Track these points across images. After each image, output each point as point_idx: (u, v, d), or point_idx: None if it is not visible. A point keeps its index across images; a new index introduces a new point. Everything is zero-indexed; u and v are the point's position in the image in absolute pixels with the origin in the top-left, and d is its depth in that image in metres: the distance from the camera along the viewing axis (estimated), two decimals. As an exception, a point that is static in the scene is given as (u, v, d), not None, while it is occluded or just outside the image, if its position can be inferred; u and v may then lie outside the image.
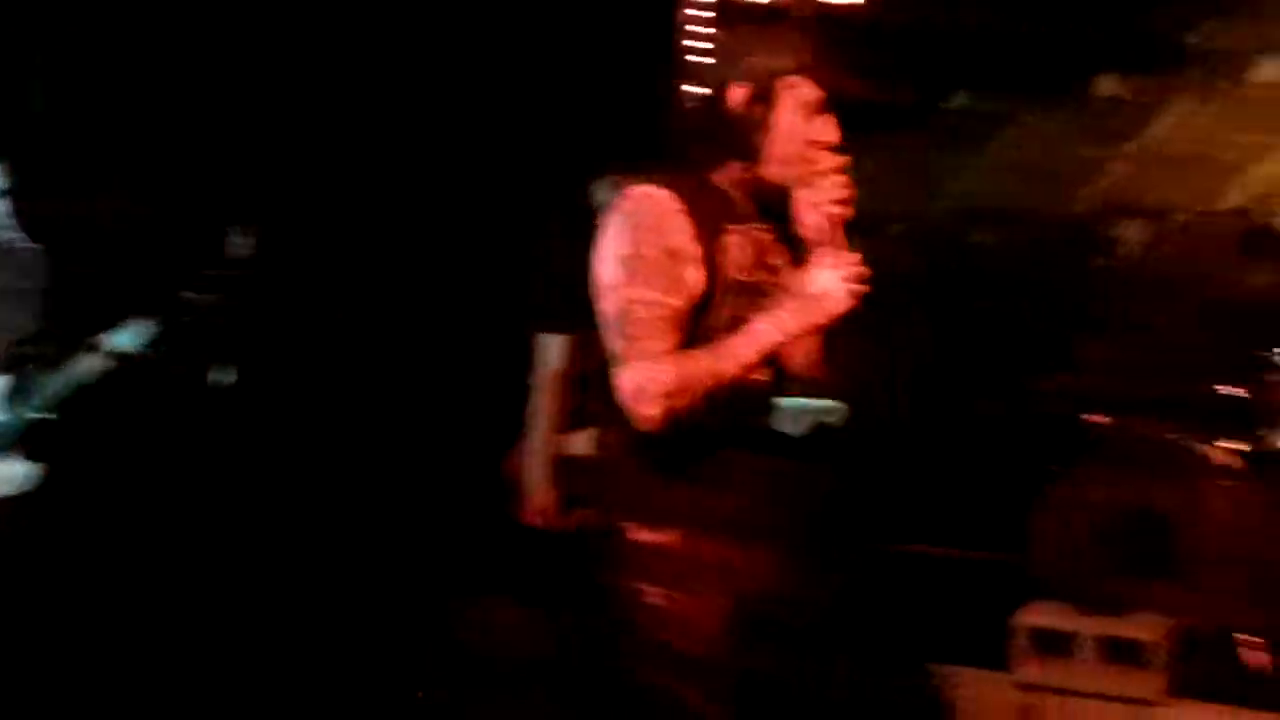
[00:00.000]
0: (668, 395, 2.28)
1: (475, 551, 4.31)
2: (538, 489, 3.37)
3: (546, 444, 3.37)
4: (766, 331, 2.34)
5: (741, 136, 2.41)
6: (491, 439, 3.68)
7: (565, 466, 3.31)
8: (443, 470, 4.75)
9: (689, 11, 5.92)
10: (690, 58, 5.73)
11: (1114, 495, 4.28)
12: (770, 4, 6.04)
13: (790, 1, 5.98)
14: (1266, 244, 5.01)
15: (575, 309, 2.48)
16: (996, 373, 5.47)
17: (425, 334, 5.11)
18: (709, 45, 5.76)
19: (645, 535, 2.39)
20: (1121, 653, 3.96)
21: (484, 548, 4.14)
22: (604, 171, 2.77)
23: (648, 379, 2.29)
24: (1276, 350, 4.36)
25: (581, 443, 3.62)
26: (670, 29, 5.83)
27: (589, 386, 2.53)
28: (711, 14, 5.87)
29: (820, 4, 6.00)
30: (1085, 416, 4.60)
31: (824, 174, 2.38)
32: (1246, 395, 4.50)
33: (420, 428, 4.96)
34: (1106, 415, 4.55)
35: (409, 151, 5.17)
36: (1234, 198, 6.06)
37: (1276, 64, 6.03)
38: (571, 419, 3.35)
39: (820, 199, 2.37)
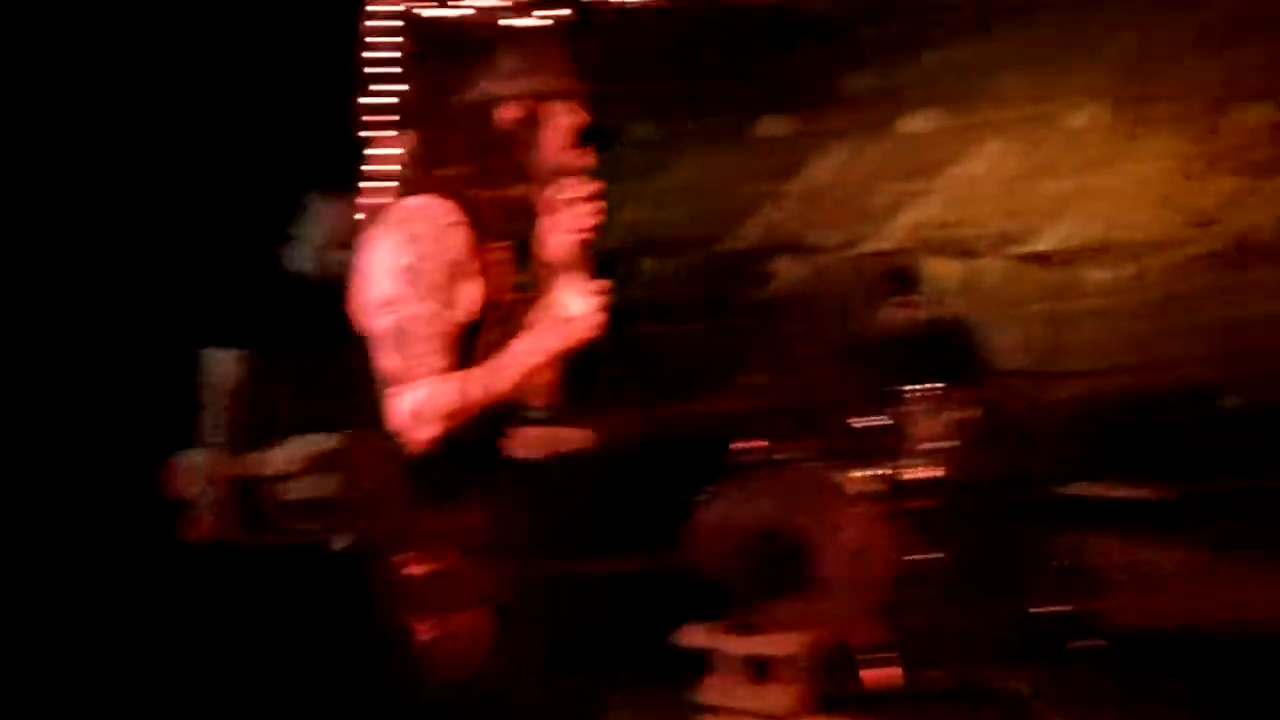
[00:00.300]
0: (449, 417, 2.22)
1: (131, 565, 4.14)
2: (208, 506, 3.28)
3: (221, 461, 3.27)
4: (529, 353, 2.32)
5: (507, 156, 2.39)
6: (150, 453, 3.56)
7: (247, 485, 3.22)
8: (100, 481, 4.55)
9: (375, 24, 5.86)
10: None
11: (756, 518, 4.48)
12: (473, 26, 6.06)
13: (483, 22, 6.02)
14: (908, 284, 5.36)
15: (250, 325, 2.39)
16: (654, 397, 5.60)
17: (87, 344, 4.88)
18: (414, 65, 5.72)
19: (407, 558, 2.33)
20: (762, 670, 4.16)
21: (139, 561, 3.99)
22: (296, 188, 2.69)
23: (430, 400, 2.22)
24: (911, 385, 4.67)
25: (273, 461, 3.53)
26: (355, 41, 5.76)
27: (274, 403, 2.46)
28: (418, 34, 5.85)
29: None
30: (736, 442, 4.80)
31: (575, 199, 2.40)
32: (883, 426, 4.80)
33: (78, 439, 4.73)
34: (755, 441, 4.76)
35: (87, 163, 4.93)
36: (883, 240, 6.47)
37: (923, 116, 6.47)
38: (250, 436, 3.26)
39: (570, 224, 2.37)
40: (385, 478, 2.33)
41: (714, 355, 6.11)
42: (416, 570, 2.32)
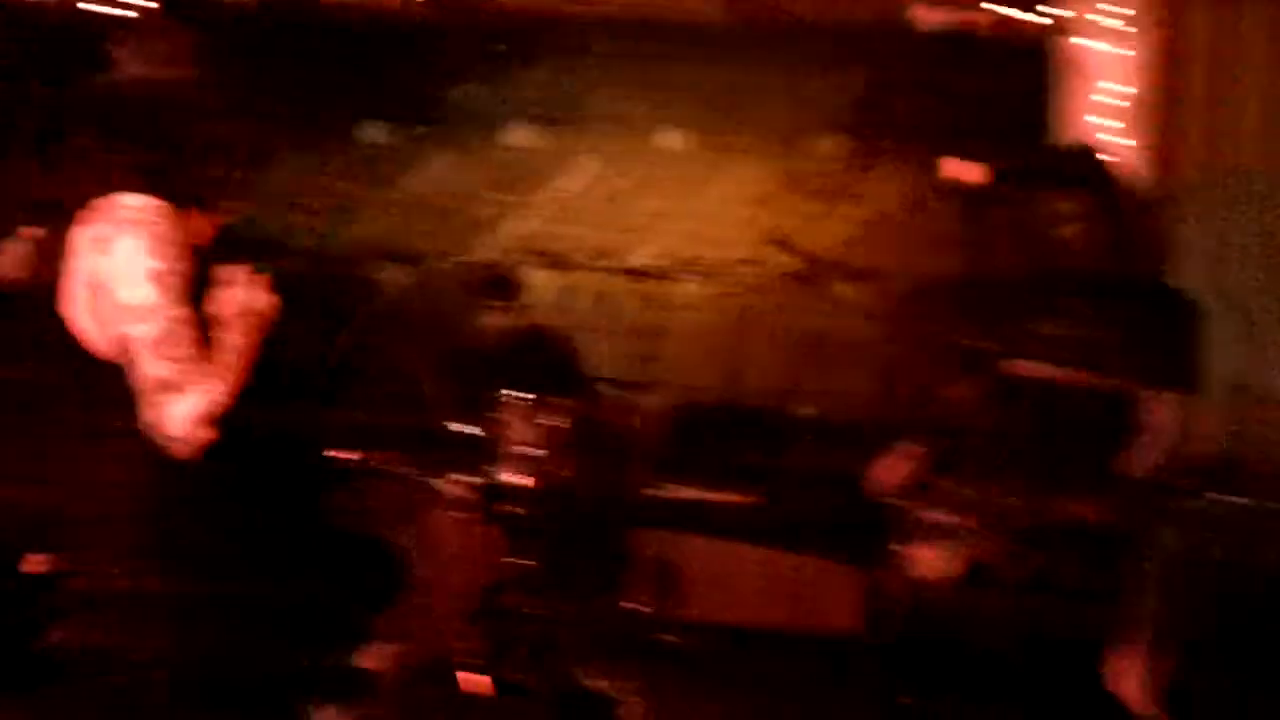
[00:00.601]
0: (217, 420, 2.20)
1: None
2: None
3: None
4: (243, 349, 2.31)
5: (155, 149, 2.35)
6: None
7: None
8: None
9: None
10: None
11: (352, 528, 4.39)
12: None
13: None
14: (507, 294, 5.41)
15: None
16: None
17: None
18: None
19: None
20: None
21: None
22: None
23: (205, 405, 2.19)
24: (506, 392, 4.69)
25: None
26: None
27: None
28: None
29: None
30: (335, 452, 4.68)
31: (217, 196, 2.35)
32: (479, 432, 4.81)
33: None
34: (355, 451, 4.66)
35: None
36: (485, 250, 6.51)
37: (525, 129, 6.56)
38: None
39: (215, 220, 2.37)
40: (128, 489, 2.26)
41: (317, 363, 5.95)
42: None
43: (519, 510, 4.73)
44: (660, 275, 6.19)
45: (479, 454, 4.71)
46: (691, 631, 4.73)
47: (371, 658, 4.08)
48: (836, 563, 5.27)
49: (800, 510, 5.59)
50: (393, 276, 6.56)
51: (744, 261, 6.26)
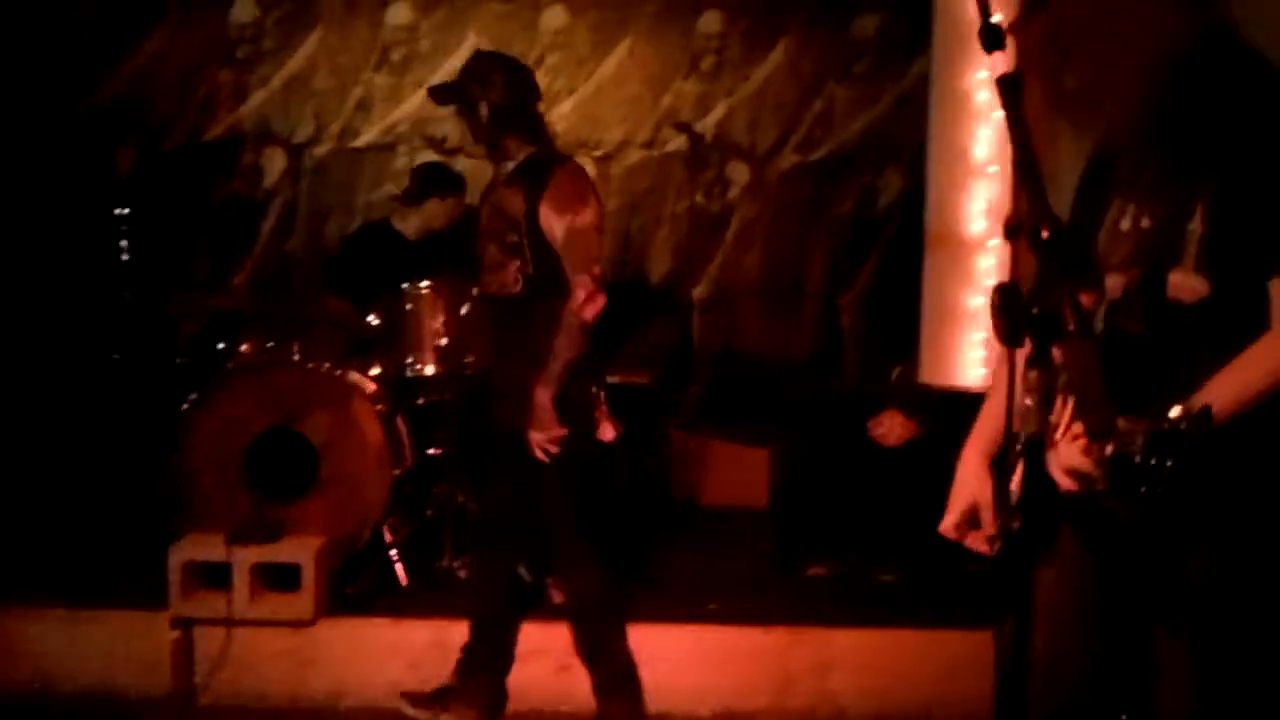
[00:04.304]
0: None
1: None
2: None
3: None
4: None
5: None
6: None
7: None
8: None
9: None
10: None
11: (257, 421, 4.34)
12: None
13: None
14: (447, 184, 5.26)
15: None
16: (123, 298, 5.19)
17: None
18: None
19: None
20: (276, 578, 4.05)
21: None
22: None
23: None
24: (408, 283, 4.63)
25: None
26: None
27: None
28: None
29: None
30: (225, 343, 4.59)
31: None
32: (381, 323, 4.76)
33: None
34: (245, 341, 4.57)
35: None
36: (369, 133, 6.36)
37: (406, 7, 6.38)
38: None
39: None
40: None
41: (197, 252, 5.81)
42: None
43: (431, 399, 4.74)
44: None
45: (388, 344, 4.67)
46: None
47: (295, 551, 4.06)
48: (745, 445, 5.41)
49: (698, 395, 5.70)
50: (272, 160, 6.40)
51: (636, 142, 6.27)
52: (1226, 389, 1.96)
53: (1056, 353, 1.78)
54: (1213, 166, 2.07)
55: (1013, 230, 1.69)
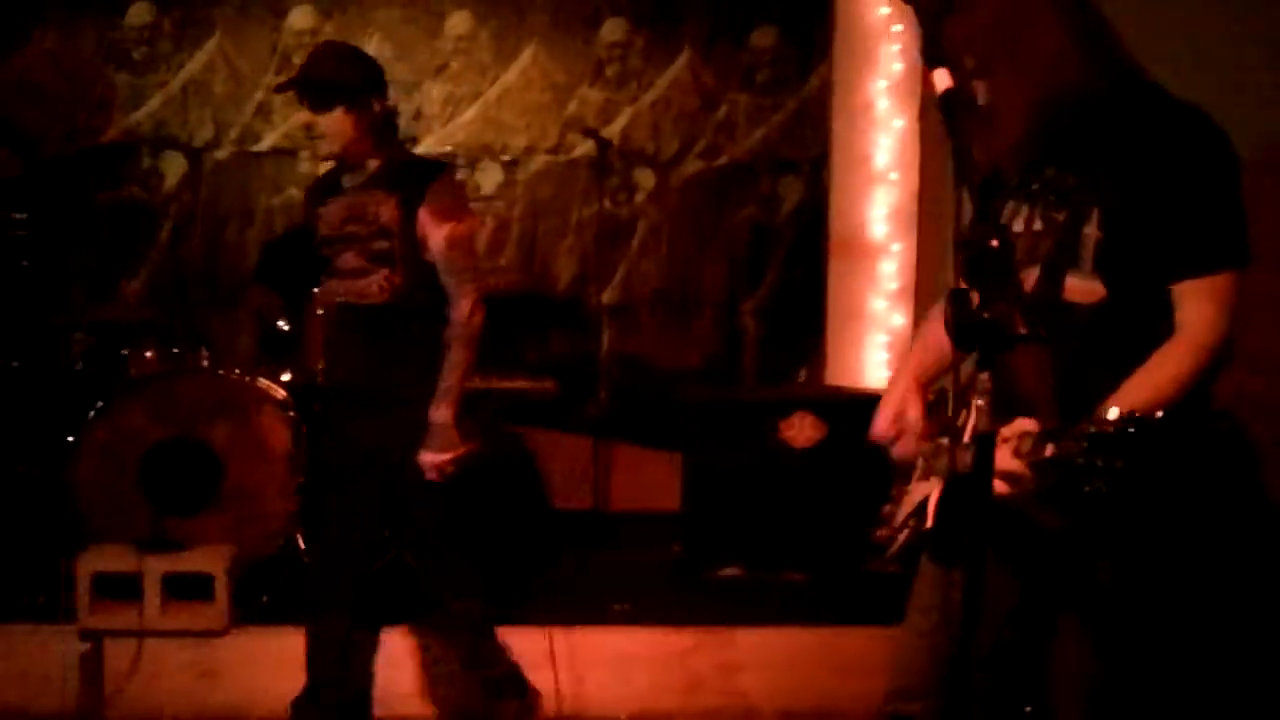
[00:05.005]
0: None
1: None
2: None
3: None
4: None
5: None
6: None
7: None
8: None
9: None
10: None
11: (152, 431, 4.29)
12: None
13: None
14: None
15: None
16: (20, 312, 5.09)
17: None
18: None
19: None
20: (185, 588, 4.01)
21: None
22: None
23: None
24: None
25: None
26: None
27: None
28: None
29: None
30: (125, 352, 4.52)
31: None
32: (289, 329, 4.74)
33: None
34: (149, 349, 4.51)
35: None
36: (272, 137, 6.30)
37: (307, 11, 6.33)
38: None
39: None
40: None
41: (91, 260, 5.68)
42: None
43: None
44: (457, 164, 6.15)
45: (293, 352, 4.66)
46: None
47: (204, 561, 4.02)
48: (654, 449, 5.46)
49: (605, 402, 5.73)
50: (170, 165, 6.31)
51: (541, 149, 6.29)
52: (1138, 393, 2.05)
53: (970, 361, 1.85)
54: (1111, 180, 2.16)
55: (966, 245, 1.76)
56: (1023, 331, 1.70)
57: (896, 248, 5.18)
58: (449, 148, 6.21)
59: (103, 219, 6.15)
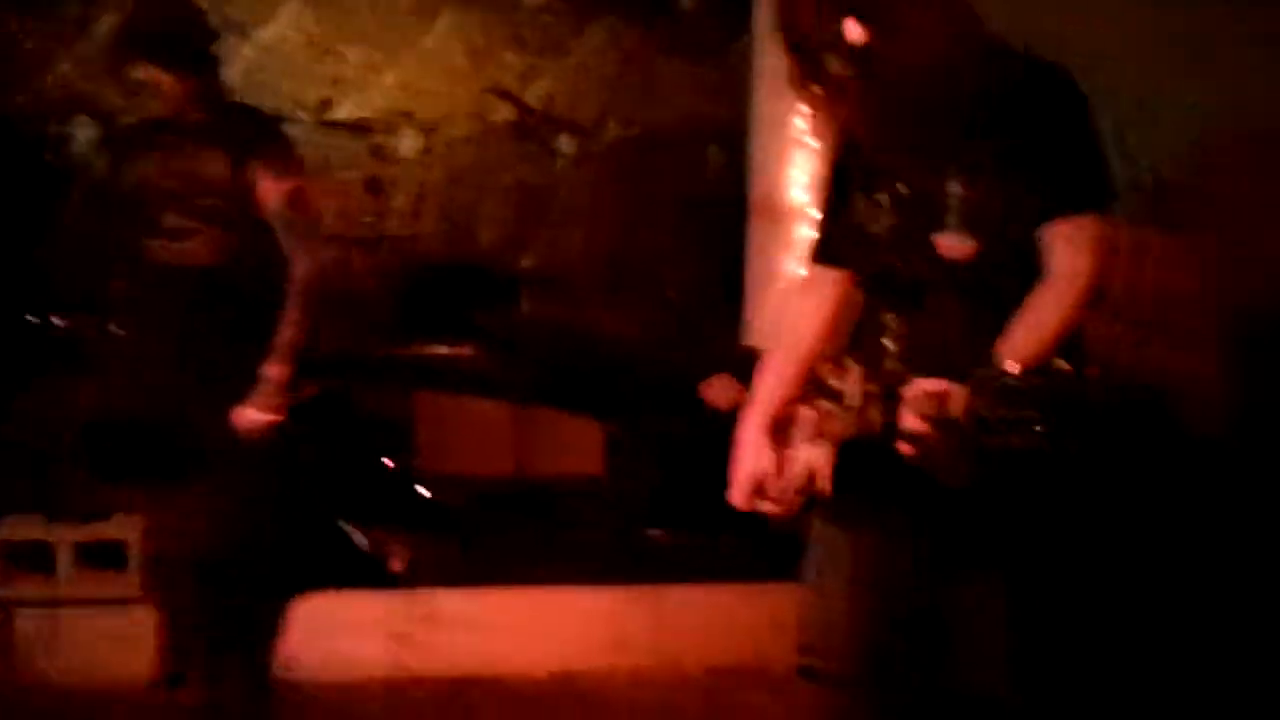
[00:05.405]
0: None
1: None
2: None
3: None
4: None
5: None
6: None
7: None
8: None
9: None
10: None
11: (83, 401, 4.21)
12: None
13: None
14: None
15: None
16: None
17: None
18: None
19: None
20: (100, 557, 3.96)
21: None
22: None
23: None
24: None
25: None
26: None
27: None
28: None
29: None
30: (53, 319, 4.44)
31: None
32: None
33: None
34: (72, 317, 4.43)
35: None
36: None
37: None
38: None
39: None
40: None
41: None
42: None
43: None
44: (375, 129, 6.08)
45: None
46: (439, 483, 4.81)
47: (120, 530, 3.97)
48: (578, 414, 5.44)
49: (528, 364, 5.71)
50: (84, 133, 6.17)
51: (458, 115, 6.23)
52: (1024, 342, 2.05)
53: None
54: (970, 136, 2.17)
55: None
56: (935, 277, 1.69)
57: (816, 213, 5.19)
58: (367, 113, 6.13)
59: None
